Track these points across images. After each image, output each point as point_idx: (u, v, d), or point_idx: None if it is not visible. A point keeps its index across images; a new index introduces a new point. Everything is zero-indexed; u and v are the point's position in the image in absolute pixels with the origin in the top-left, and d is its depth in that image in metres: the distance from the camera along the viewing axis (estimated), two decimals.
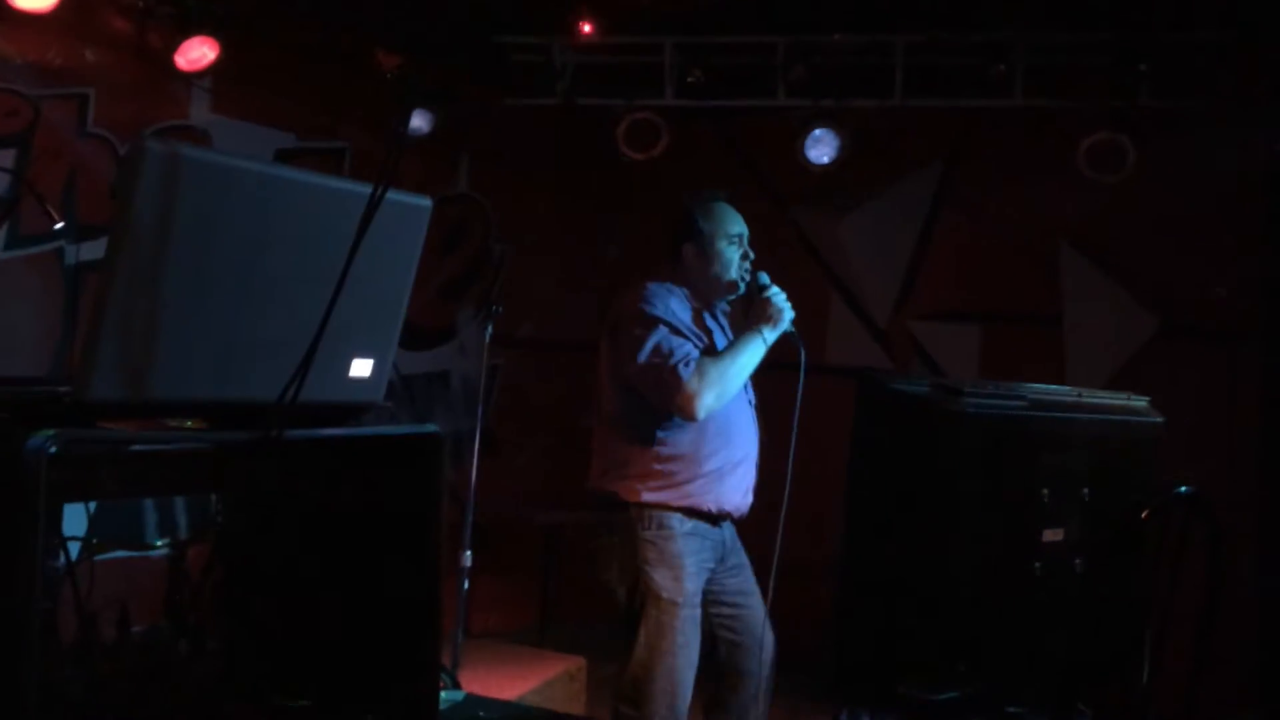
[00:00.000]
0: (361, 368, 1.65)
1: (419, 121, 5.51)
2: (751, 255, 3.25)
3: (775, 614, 3.15)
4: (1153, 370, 5.30)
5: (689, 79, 5.55)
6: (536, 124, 6.13)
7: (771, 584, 3.02)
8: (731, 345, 3.11)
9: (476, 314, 6.19)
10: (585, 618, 6.05)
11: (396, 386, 5.86)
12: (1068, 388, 2.06)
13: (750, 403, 3.24)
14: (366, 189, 1.53)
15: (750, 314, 3.16)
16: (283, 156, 5.17)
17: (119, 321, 1.38)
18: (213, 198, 1.44)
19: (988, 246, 5.82)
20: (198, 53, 4.61)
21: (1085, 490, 1.97)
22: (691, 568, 3.08)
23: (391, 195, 1.55)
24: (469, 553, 3.67)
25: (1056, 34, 5.13)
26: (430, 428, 1.68)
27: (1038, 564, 1.89)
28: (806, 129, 5.56)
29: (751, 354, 3.06)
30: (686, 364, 2.99)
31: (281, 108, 5.13)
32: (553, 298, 6.57)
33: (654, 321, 3.06)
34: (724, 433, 3.11)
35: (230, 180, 1.47)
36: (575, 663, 4.65)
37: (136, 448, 1.55)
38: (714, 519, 3.13)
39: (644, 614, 3.09)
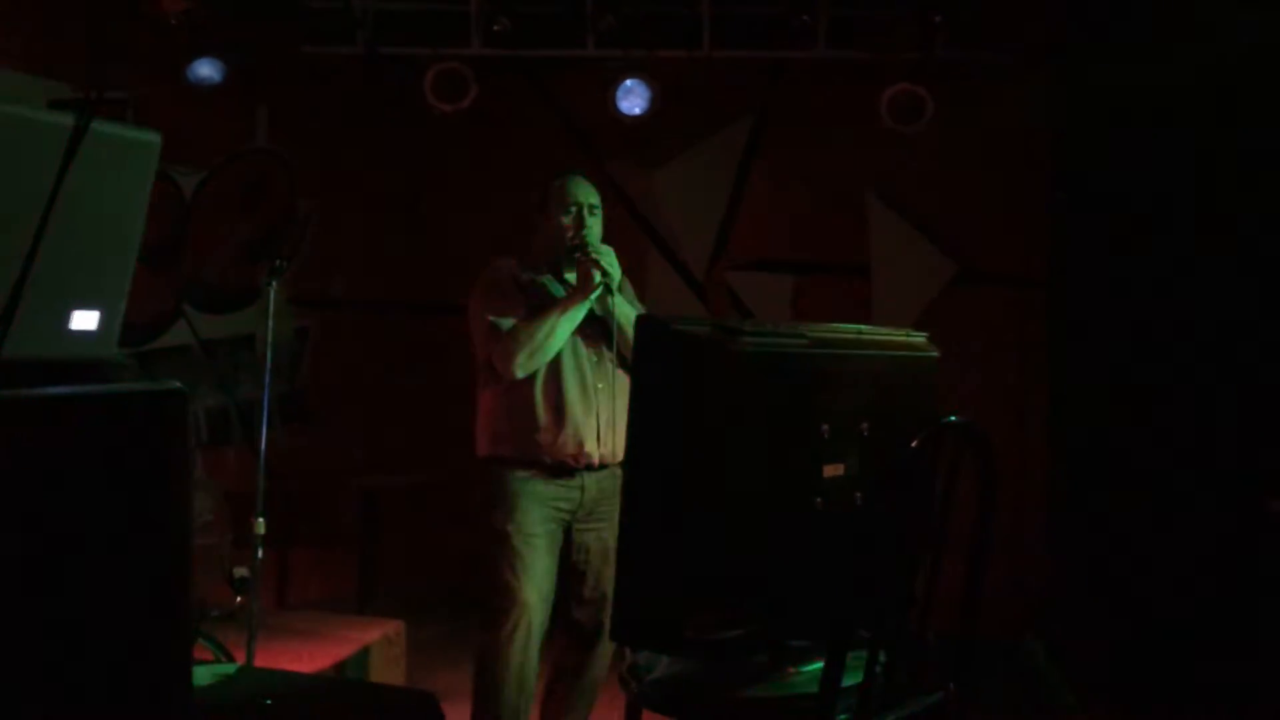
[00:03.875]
0: (85, 320, 1.51)
1: (208, 70, 5.21)
2: (589, 223, 3.39)
3: None
4: (951, 313, 5.53)
5: (495, 27, 5.41)
6: (339, 75, 5.89)
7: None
8: (544, 310, 3.28)
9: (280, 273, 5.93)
10: (409, 581, 5.95)
11: (197, 353, 5.57)
12: (850, 325, 2.08)
13: (591, 360, 3.38)
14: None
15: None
16: (55, 108, 4.78)
17: None
18: None
19: (798, 197, 5.92)
20: None
21: (865, 425, 1.99)
22: (525, 505, 3.28)
23: (110, 128, 1.41)
24: (261, 519, 3.52)
25: None
26: (171, 384, 1.56)
27: (819, 499, 1.91)
28: (617, 80, 5.52)
29: (559, 318, 3.25)
30: (498, 329, 3.28)
31: (51, 54, 4.75)
32: (364, 257, 6.36)
33: (487, 292, 3.36)
34: (555, 388, 3.30)
35: None
36: (393, 627, 4.54)
37: None
38: (552, 470, 3.31)
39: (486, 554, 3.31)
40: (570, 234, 3.34)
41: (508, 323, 3.26)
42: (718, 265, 6.15)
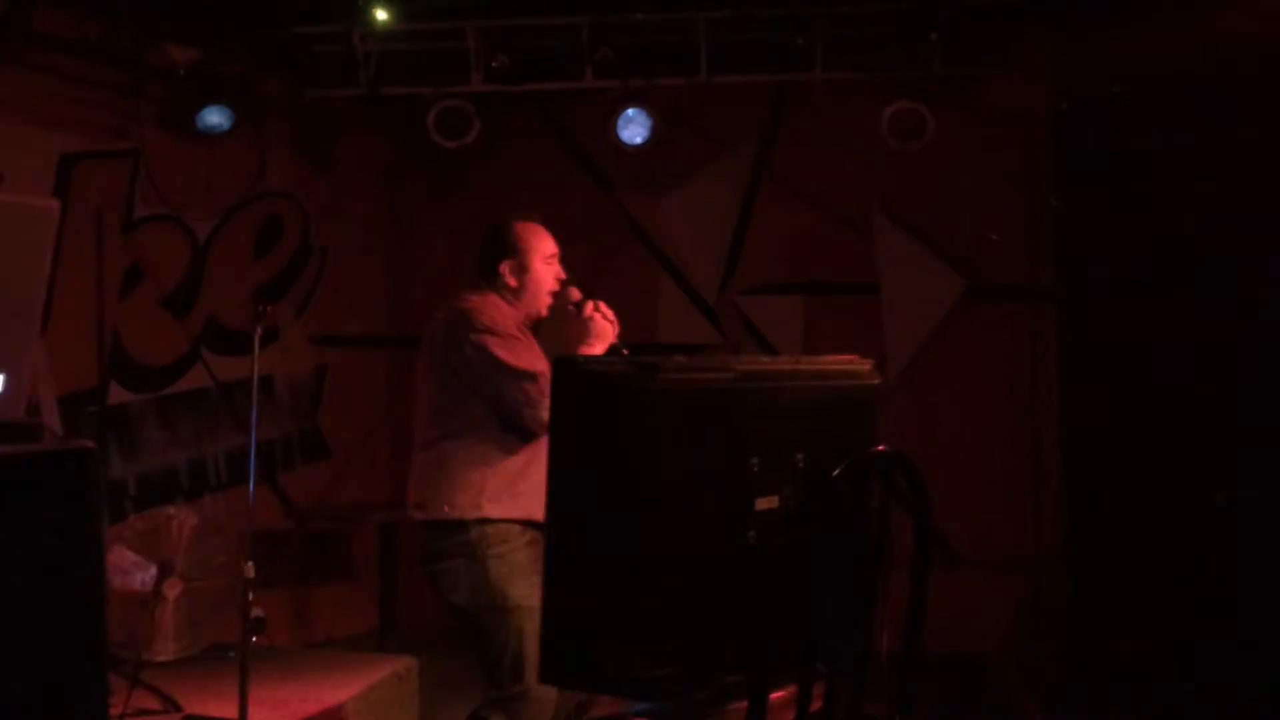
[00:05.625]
0: None
1: (217, 118, 5.33)
2: (563, 276, 3.26)
3: None
4: (962, 328, 5.49)
5: (493, 64, 5.47)
6: (347, 117, 6.00)
7: None
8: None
9: (298, 315, 6.04)
10: (430, 616, 5.98)
11: (215, 395, 5.67)
12: (788, 356, 2.07)
13: None
14: None
15: (569, 333, 3.13)
16: (68, 161, 4.93)
17: None
18: None
19: (805, 218, 5.92)
20: None
21: (800, 456, 1.97)
22: (536, 575, 3.03)
23: (5, 199, 1.45)
24: (250, 563, 3.55)
25: (851, 5, 5.21)
26: (81, 444, 1.59)
27: (752, 533, 1.89)
28: (617, 110, 5.55)
29: None
30: (542, 379, 2.97)
31: (64, 108, 4.89)
32: (378, 295, 6.44)
33: (507, 337, 3.08)
34: (540, 443, 3.08)
35: None
36: (405, 664, 4.57)
37: None
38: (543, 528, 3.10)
39: (497, 626, 3.07)
40: (560, 285, 3.19)
41: (545, 371, 2.96)
42: (728, 290, 6.15)
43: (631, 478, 1.78)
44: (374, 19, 5.34)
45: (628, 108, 5.55)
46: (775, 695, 1.90)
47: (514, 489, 3.07)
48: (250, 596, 3.50)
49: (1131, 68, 4.82)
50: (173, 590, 4.14)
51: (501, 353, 3.04)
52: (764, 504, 1.92)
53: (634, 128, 5.57)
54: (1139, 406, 5.02)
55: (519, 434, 3.07)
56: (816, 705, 1.90)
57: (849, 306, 5.85)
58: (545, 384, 2.91)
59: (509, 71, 5.51)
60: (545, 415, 2.68)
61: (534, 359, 3.06)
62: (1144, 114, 4.98)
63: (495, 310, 3.14)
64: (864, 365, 2.21)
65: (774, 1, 5.26)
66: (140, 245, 5.28)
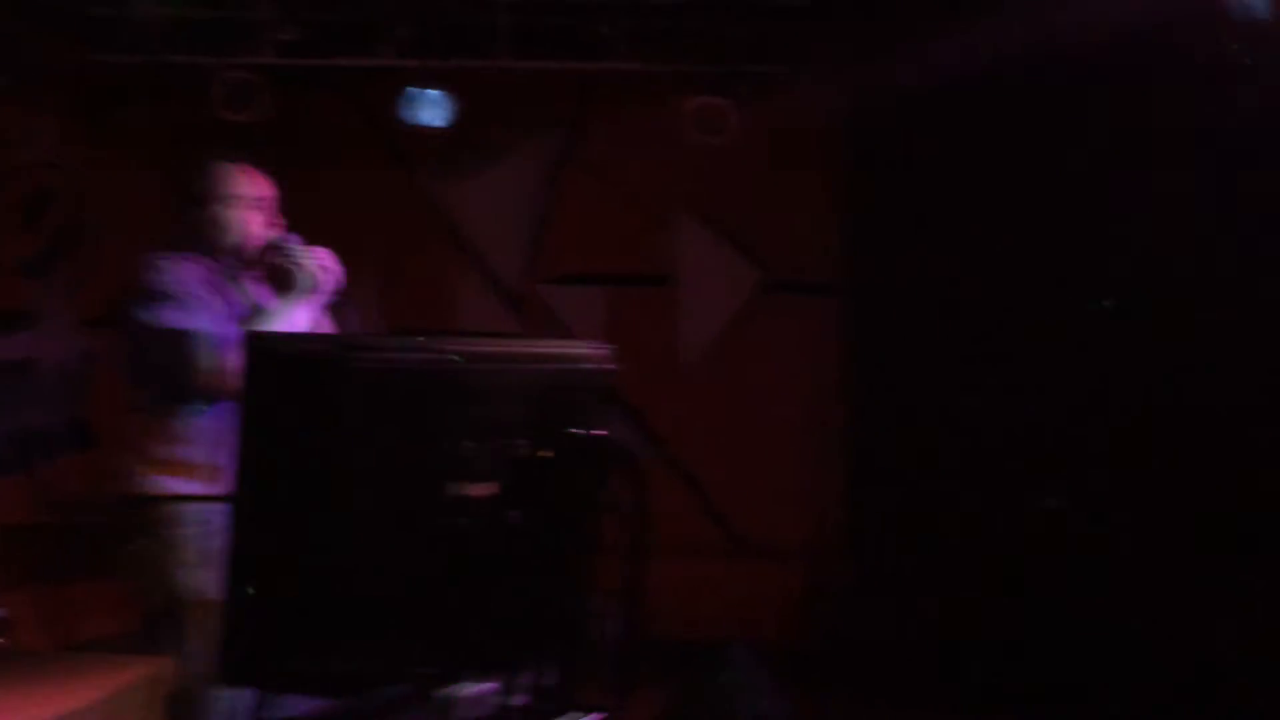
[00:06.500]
0: None
1: None
2: (277, 222, 3.03)
3: None
4: (757, 320, 5.59)
5: (283, 36, 5.24)
6: (130, 85, 5.65)
7: None
8: (249, 318, 2.88)
9: (68, 295, 5.65)
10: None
11: None
12: (517, 337, 2.00)
13: None
14: None
15: (274, 282, 2.95)
16: None
17: None
18: None
19: (609, 208, 5.89)
20: None
21: (521, 442, 1.91)
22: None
23: None
24: None
25: None
26: None
27: (463, 520, 1.82)
28: (418, 90, 5.41)
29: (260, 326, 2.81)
30: (196, 338, 2.76)
31: None
32: None
33: (161, 295, 2.83)
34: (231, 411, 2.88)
35: None
36: (164, 665, 4.29)
37: None
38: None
39: (185, 619, 2.86)
40: (248, 232, 2.95)
41: (203, 328, 2.77)
42: (531, 279, 6.08)
43: (324, 462, 1.68)
44: None
45: (428, 88, 5.42)
46: (483, 688, 1.84)
47: (192, 463, 2.82)
48: None
49: (923, 72, 4.96)
50: None
51: (147, 315, 2.80)
52: (480, 491, 1.85)
53: (433, 109, 5.45)
54: (920, 399, 5.18)
55: (186, 401, 2.82)
56: (527, 698, 1.84)
57: (649, 297, 5.86)
58: (208, 344, 2.73)
59: (304, 45, 5.29)
60: (207, 380, 2.70)
61: (200, 317, 2.80)
62: (931, 118, 5.13)
63: (168, 268, 2.88)
64: (601, 350, 2.17)
65: None
66: None
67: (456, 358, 1.79)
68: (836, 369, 5.55)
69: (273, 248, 2.93)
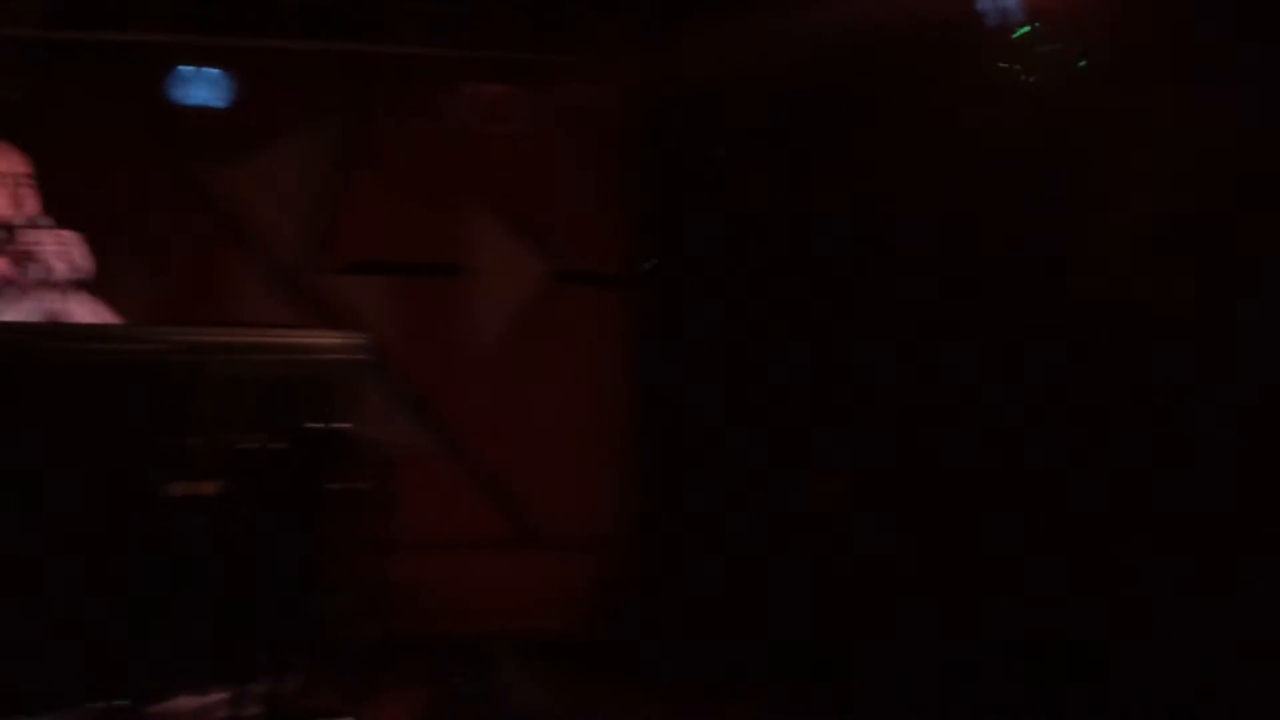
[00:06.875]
0: None
1: None
2: (16, 200, 2.80)
3: None
4: (546, 311, 5.55)
5: (48, 7, 4.86)
6: None
7: None
8: None
9: None
10: None
11: None
12: (256, 326, 1.89)
13: None
14: None
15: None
16: None
17: None
18: None
19: (396, 197, 5.73)
20: None
21: (255, 437, 1.80)
22: None
23: None
24: None
25: None
26: None
27: (184, 519, 1.70)
28: (195, 69, 5.14)
29: None
30: None
31: None
32: None
33: None
34: None
35: None
36: None
37: None
38: None
39: None
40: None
41: None
42: (314, 269, 5.84)
43: (21, 458, 1.54)
44: None
45: (204, 67, 5.15)
46: (209, 700, 1.73)
47: None
48: None
49: (714, 60, 4.97)
50: None
51: None
52: (202, 489, 1.73)
53: (209, 90, 5.18)
54: (711, 390, 5.25)
55: None
56: (260, 708, 1.74)
57: (440, 288, 5.74)
58: None
59: (68, 15, 4.93)
60: None
61: None
62: (724, 106, 5.18)
63: None
64: (352, 341, 2.07)
65: None
66: None
67: (170, 348, 1.67)
68: (628, 360, 5.57)
69: (10, 228, 2.70)
